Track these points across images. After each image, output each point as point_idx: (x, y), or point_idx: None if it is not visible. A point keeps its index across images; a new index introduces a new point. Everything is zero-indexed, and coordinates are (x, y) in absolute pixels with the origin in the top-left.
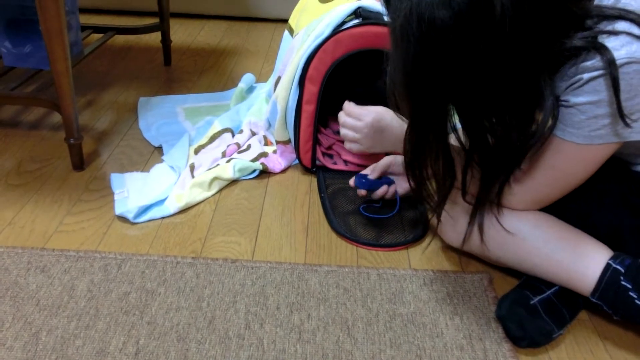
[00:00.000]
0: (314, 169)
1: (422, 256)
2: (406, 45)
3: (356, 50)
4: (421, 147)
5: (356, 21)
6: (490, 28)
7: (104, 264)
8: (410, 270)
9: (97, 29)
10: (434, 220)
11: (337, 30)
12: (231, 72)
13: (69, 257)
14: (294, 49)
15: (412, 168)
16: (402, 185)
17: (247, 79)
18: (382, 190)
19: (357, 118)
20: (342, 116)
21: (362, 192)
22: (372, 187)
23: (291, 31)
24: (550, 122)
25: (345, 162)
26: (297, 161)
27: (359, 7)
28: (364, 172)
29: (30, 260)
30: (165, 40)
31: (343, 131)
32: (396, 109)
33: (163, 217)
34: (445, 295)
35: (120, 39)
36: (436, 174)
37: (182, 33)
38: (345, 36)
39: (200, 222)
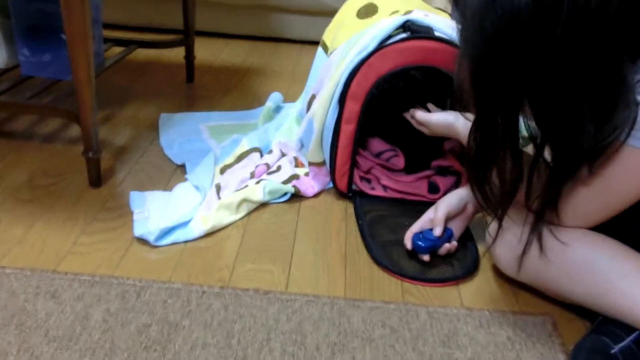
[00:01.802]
0: (350, 194)
1: (475, 293)
2: (480, 32)
3: (404, 66)
4: (488, 145)
5: (404, 35)
6: (572, 13)
7: (121, 290)
8: (463, 309)
9: (118, 42)
10: (487, 244)
11: (383, 44)
12: (256, 91)
13: (83, 281)
14: (332, 65)
15: (475, 169)
16: (458, 225)
17: (274, 97)
18: (444, 249)
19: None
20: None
21: (425, 257)
22: (434, 247)
23: (325, 48)
24: (629, 120)
25: (385, 187)
26: (331, 185)
27: (407, 21)
28: (415, 226)
29: (40, 284)
30: (189, 55)
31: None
32: (462, 108)
33: (187, 241)
34: (505, 339)
35: (141, 53)
36: (501, 175)
37: (204, 51)
38: (393, 50)
39: (228, 248)
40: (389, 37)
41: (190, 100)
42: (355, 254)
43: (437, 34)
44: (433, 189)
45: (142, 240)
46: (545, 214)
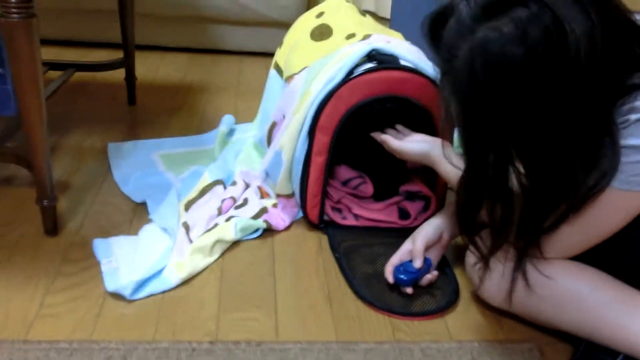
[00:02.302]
0: (322, 225)
1: (461, 323)
2: (468, 83)
3: (373, 97)
4: (479, 194)
5: (370, 65)
6: (563, 64)
7: (105, 357)
8: (453, 342)
9: (54, 66)
10: (472, 277)
11: (350, 75)
12: (203, 111)
13: (61, 350)
14: (295, 94)
15: (465, 213)
16: (435, 254)
17: (227, 121)
18: (426, 280)
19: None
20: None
21: (408, 290)
22: (416, 279)
23: (279, 70)
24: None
25: (356, 216)
26: (300, 215)
27: (372, 50)
28: (395, 259)
29: (12, 358)
30: (130, 77)
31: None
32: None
33: (164, 291)
34: None
35: (76, 75)
36: (493, 219)
37: (141, 66)
38: (362, 82)
39: (208, 295)
40: (356, 66)
41: (135, 125)
42: (338, 291)
43: (402, 62)
44: (403, 215)
45: (116, 294)
46: (527, 251)
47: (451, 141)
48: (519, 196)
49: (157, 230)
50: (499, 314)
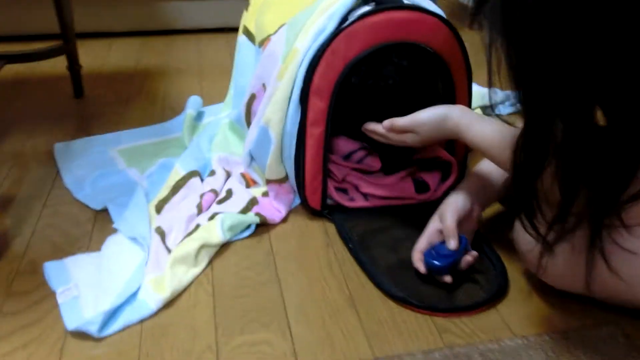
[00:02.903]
0: (326, 211)
1: (521, 314)
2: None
3: (376, 46)
4: (542, 148)
5: (368, 8)
6: None
7: None
8: (518, 339)
9: None
10: (526, 258)
11: (344, 23)
12: (164, 96)
13: None
14: (276, 57)
15: (523, 178)
16: (468, 231)
17: (193, 102)
18: (466, 263)
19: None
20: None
21: (447, 278)
22: (454, 263)
23: (250, 36)
24: None
25: (365, 195)
26: (297, 201)
27: None
28: (422, 243)
29: None
30: (73, 64)
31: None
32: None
33: (142, 320)
34: None
35: (10, 70)
36: (561, 184)
37: (86, 56)
38: (361, 28)
39: (201, 318)
40: (349, 12)
41: (85, 120)
42: (361, 290)
43: (406, 2)
44: (421, 187)
45: (80, 333)
46: (605, 222)
47: (468, 104)
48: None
49: (125, 242)
50: (565, 296)
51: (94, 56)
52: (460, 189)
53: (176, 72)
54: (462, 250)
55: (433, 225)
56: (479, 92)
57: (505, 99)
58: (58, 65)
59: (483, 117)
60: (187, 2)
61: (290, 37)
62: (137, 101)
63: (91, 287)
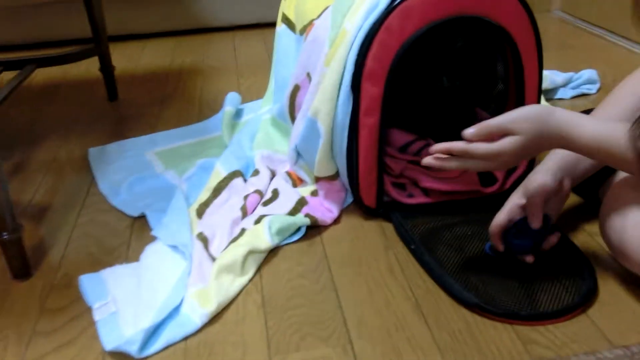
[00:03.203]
0: (382, 210)
1: (617, 320)
2: None
3: (437, 21)
4: None
5: None
6: None
7: None
8: (619, 350)
9: (8, 65)
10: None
11: None
12: (201, 95)
13: None
14: (321, 41)
15: None
16: (553, 208)
17: (232, 99)
18: (550, 243)
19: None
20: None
21: (528, 258)
22: (537, 242)
23: (290, 24)
24: None
25: (426, 191)
26: (349, 200)
27: None
28: (501, 217)
29: None
30: (106, 66)
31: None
32: None
33: (187, 337)
34: None
35: (41, 75)
36: None
37: (119, 59)
38: (417, 2)
39: (251, 332)
40: None
41: (120, 123)
42: (428, 295)
43: None
44: (487, 179)
45: (120, 353)
46: None
47: (538, 90)
48: None
49: (165, 250)
50: None
51: (126, 59)
52: (548, 161)
53: (212, 70)
54: (546, 229)
55: (515, 199)
56: None
57: (567, 81)
58: (91, 68)
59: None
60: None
61: (336, 19)
62: (172, 101)
63: (130, 301)
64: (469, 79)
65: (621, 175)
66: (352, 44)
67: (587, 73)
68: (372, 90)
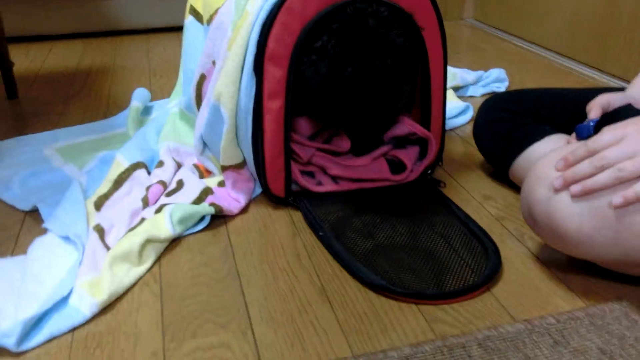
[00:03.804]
0: (291, 198)
1: (519, 296)
2: None
3: (337, 3)
4: None
5: None
6: None
7: None
8: (520, 324)
9: None
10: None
11: None
12: (109, 93)
13: None
14: (226, 26)
15: None
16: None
17: (140, 95)
18: None
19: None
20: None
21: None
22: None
23: (198, 16)
24: None
25: (335, 178)
26: (258, 191)
27: None
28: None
29: None
30: (4, 62)
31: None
32: None
33: (74, 328)
34: (597, 351)
35: None
36: None
37: (22, 60)
38: None
39: (145, 322)
40: None
41: (20, 119)
42: (335, 281)
43: None
44: (396, 167)
45: None
46: None
47: (444, 79)
48: None
49: (56, 242)
50: (566, 275)
51: (30, 59)
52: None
53: (123, 70)
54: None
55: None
56: (450, 72)
57: (477, 79)
58: None
59: None
60: (132, 1)
61: (240, 2)
62: (78, 100)
63: (11, 295)
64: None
65: (537, 150)
66: (254, 25)
67: (496, 72)
68: (276, 72)
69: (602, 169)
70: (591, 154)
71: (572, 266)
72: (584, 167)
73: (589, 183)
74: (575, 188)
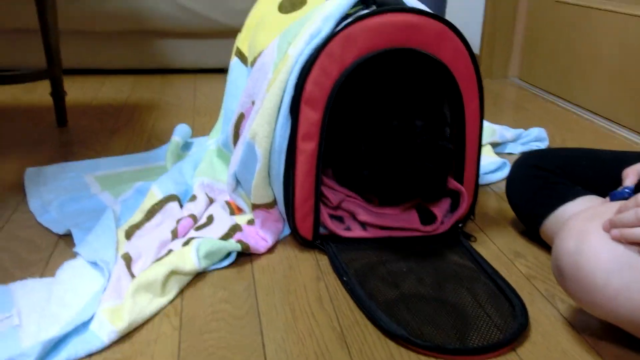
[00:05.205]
0: (318, 241)
1: (543, 358)
2: None
3: (377, 51)
4: None
5: (367, 11)
6: None
7: None
8: None
9: None
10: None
11: (340, 25)
12: (153, 128)
13: None
14: (267, 67)
15: None
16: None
17: (182, 130)
18: None
19: None
20: None
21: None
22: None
23: (243, 57)
24: None
25: (364, 225)
26: (287, 232)
27: None
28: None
29: None
30: (57, 90)
31: None
32: None
33: (91, 354)
34: None
35: None
36: None
37: (76, 91)
38: (359, 30)
39: (162, 353)
40: (347, 16)
41: (65, 147)
42: (355, 329)
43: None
44: (427, 218)
45: None
46: None
47: (479, 132)
48: None
49: (84, 266)
50: (593, 337)
51: (84, 91)
52: None
53: (168, 106)
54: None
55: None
56: (489, 128)
57: (516, 137)
58: (44, 97)
59: None
60: (183, 40)
61: (282, 46)
62: (123, 132)
63: (35, 315)
64: (417, 120)
65: (569, 210)
66: (293, 68)
67: (536, 131)
68: (311, 115)
69: None
70: (639, 206)
71: (604, 333)
72: (629, 215)
73: (628, 232)
74: (614, 232)
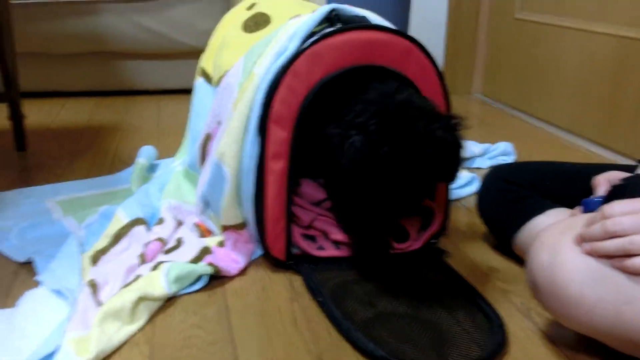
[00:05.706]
0: (291, 262)
1: None
2: None
3: (343, 68)
4: None
5: (332, 29)
6: None
7: None
8: None
9: None
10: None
11: (306, 43)
12: (116, 150)
13: None
14: (233, 87)
15: None
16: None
17: (146, 152)
18: None
19: None
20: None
21: None
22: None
23: (207, 77)
24: None
25: (337, 243)
26: (259, 253)
27: (332, 10)
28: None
29: None
30: (16, 114)
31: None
32: None
33: None
34: None
35: None
36: None
37: (35, 114)
38: (325, 48)
39: None
40: (312, 34)
41: (25, 171)
42: (332, 349)
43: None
44: (400, 235)
45: None
46: None
47: None
48: None
49: (47, 296)
50: (570, 349)
51: (44, 114)
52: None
53: (132, 128)
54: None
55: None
56: None
57: (483, 152)
58: (2, 121)
59: None
60: (146, 61)
61: (247, 65)
62: (85, 155)
63: None
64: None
65: (540, 223)
66: (260, 87)
67: (503, 145)
68: (280, 134)
69: (614, 234)
70: (605, 218)
71: (581, 345)
72: (597, 228)
73: (598, 246)
74: (586, 246)
